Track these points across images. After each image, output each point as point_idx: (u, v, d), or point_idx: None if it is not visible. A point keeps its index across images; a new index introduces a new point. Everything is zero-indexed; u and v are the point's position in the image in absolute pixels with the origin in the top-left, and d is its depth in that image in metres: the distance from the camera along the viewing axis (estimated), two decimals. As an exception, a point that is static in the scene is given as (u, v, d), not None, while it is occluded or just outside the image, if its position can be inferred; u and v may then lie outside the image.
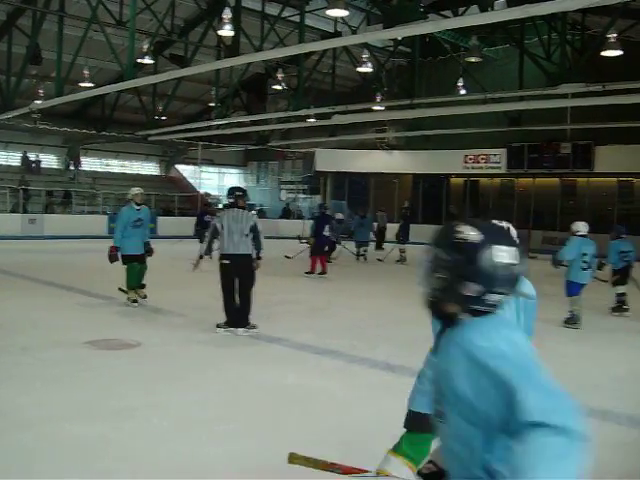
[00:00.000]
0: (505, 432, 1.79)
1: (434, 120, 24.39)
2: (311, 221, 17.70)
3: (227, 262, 8.71)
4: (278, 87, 26.19)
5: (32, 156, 32.19)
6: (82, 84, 21.92)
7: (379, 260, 20.44)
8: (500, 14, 13.01)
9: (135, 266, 10.60)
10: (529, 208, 28.00)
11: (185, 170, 37.99)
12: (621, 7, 14.92)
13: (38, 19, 18.88)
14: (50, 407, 5.49)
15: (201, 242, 10.45)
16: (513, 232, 3.84)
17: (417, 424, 2.86)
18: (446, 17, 16.84)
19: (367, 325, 9.60)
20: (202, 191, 34.38)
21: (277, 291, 12.60)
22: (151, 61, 20.65)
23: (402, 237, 20.78)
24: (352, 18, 21.19)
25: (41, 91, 24.72)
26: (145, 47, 19.32)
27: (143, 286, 10.85)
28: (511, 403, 1.76)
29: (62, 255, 19.31)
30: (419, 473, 2.47)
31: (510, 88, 20.50)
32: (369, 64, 21.55)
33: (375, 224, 24.74)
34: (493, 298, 1.95)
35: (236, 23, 16.91)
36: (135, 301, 10.58)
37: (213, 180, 38.49)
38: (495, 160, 29.31)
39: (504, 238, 2.02)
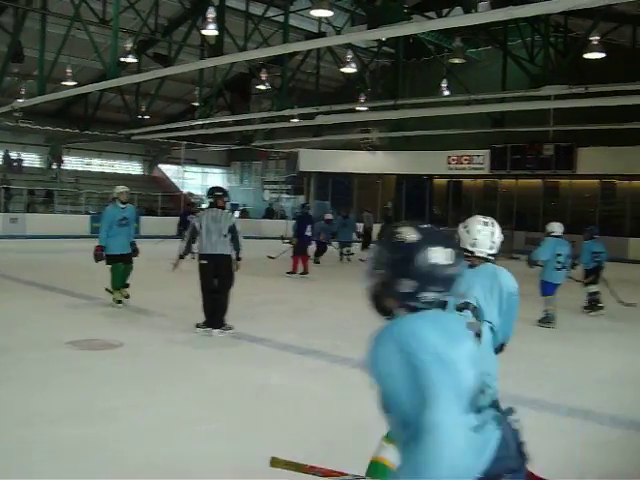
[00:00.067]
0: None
1: (418, 121, 24.44)
2: (294, 221, 17.70)
3: (205, 262, 8.66)
4: (262, 87, 26.13)
5: (14, 155, 31.98)
6: (65, 83, 21.77)
7: (362, 260, 20.43)
8: (484, 16, 13.07)
9: (119, 266, 10.47)
10: (512, 209, 28.13)
11: (168, 170, 37.91)
12: (603, 10, 15.04)
13: (20, 16, 18.73)
14: (31, 408, 5.46)
15: None
16: (496, 227, 3.95)
17: None
18: (430, 18, 16.87)
19: (350, 325, 9.56)
20: (185, 191, 34.32)
21: (260, 291, 12.59)
22: (134, 60, 20.54)
23: (384, 238, 20.84)
24: (336, 18, 21.19)
25: (23, 89, 24.52)
26: (128, 46, 19.19)
27: (127, 286, 10.73)
28: (414, 401, 1.90)
29: (44, 255, 19.18)
30: None
31: (493, 89, 20.58)
32: (353, 64, 21.55)
33: (361, 225, 24.75)
34: (428, 296, 2.06)
35: (220, 23, 16.85)
36: (120, 302, 10.46)
37: (196, 180, 38.43)
38: (478, 161, 29.42)
39: (441, 240, 2.13)
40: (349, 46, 20.95)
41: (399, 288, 2.08)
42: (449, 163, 30.26)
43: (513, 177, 28.91)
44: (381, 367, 1.98)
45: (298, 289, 14.26)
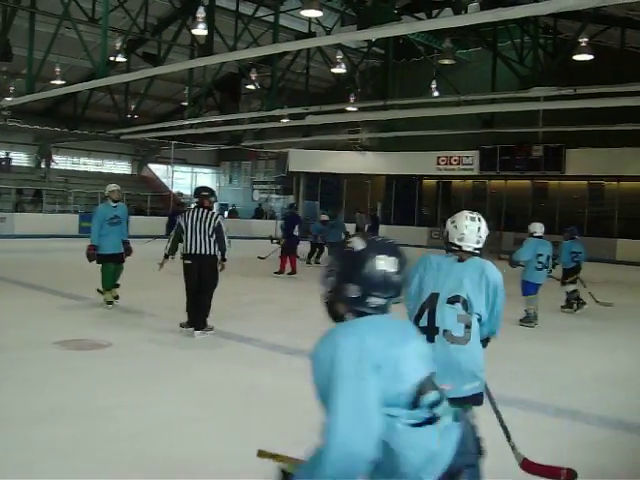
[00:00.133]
0: None
1: (407, 121, 24.49)
2: (282, 221, 17.69)
3: (189, 262, 8.60)
4: (252, 87, 26.14)
5: (2, 154, 31.85)
6: (53, 81, 21.71)
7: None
8: (473, 17, 13.10)
9: (110, 266, 10.38)
10: (501, 210, 28.17)
11: (158, 169, 37.84)
12: (592, 12, 15.08)
13: (9, 15, 18.63)
14: (19, 408, 5.44)
15: None
16: (483, 222, 4.03)
17: None
18: (420, 19, 16.86)
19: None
20: (175, 190, 34.24)
21: (249, 291, 12.58)
22: (124, 59, 20.52)
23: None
24: (326, 19, 21.19)
25: (11, 88, 24.48)
26: (118, 45, 19.15)
27: (117, 286, 10.64)
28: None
29: (33, 254, 19.11)
30: None
31: (483, 90, 20.62)
32: (343, 65, 21.61)
33: (353, 225, 24.71)
34: (374, 301, 2.20)
35: (210, 22, 16.82)
36: (110, 302, 10.37)
37: (186, 180, 38.28)
38: (467, 162, 29.51)
39: (387, 250, 2.26)
40: (339, 46, 20.98)
41: (347, 294, 2.22)
42: (438, 164, 30.34)
43: (502, 178, 29.00)
44: (316, 368, 2.13)
45: (286, 289, 14.25)
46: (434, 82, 23.79)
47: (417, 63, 27.32)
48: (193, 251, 8.56)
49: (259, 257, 18.58)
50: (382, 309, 2.23)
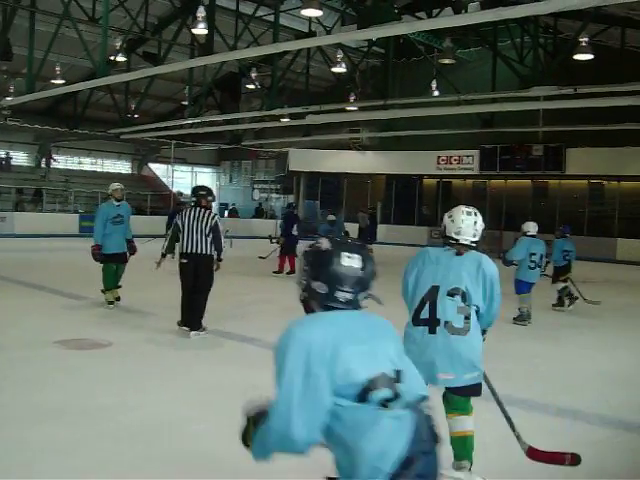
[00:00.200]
0: None
1: (407, 121, 24.48)
2: (281, 221, 17.67)
3: (185, 261, 8.55)
4: (252, 86, 26.16)
5: (2, 153, 31.84)
6: (54, 81, 21.72)
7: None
8: (473, 16, 13.09)
9: (111, 266, 10.32)
10: (501, 209, 28.17)
11: (158, 169, 37.85)
12: (592, 12, 15.07)
13: (9, 14, 18.63)
14: (18, 407, 5.43)
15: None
16: (479, 216, 4.16)
17: None
18: (420, 19, 16.88)
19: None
20: (175, 190, 34.20)
21: (250, 291, 12.58)
22: (124, 59, 20.53)
23: (369, 237, 20.89)
24: (326, 18, 21.21)
25: (11, 87, 24.48)
26: (118, 44, 19.16)
27: (118, 287, 10.58)
28: None
29: (33, 254, 19.11)
30: None
31: (483, 90, 20.61)
32: (343, 64, 21.60)
33: (356, 225, 24.67)
34: (341, 296, 2.38)
35: (210, 21, 16.82)
36: (111, 302, 10.32)
37: (186, 179, 38.27)
38: (468, 161, 29.50)
39: (351, 249, 2.42)
40: (339, 46, 20.97)
41: (317, 290, 2.41)
42: (438, 163, 30.32)
43: (502, 177, 28.98)
44: (275, 355, 2.31)
45: (285, 289, 14.17)
46: (434, 81, 23.77)
47: (417, 62, 27.33)
48: (189, 250, 8.50)
49: (260, 257, 18.57)
50: (352, 303, 2.40)
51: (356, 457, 2.15)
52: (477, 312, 4.02)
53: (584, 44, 16.42)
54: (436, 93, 23.40)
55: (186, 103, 26.58)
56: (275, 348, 2.30)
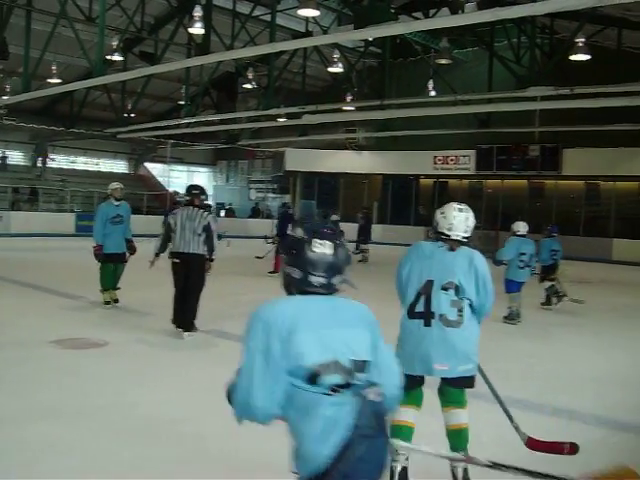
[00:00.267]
0: None
1: (404, 121, 24.49)
2: (277, 221, 17.67)
3: (177, 261, 8.50)
4: (248, 86, 26.15)
5: (-2, 152, 31.83)
6: (50, 80, 21.70)
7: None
8: (470, 17, 13.13)
9: (109, 266, 10.28)
10: (497, 209, 28.23)
11: (154, 168, 37.83)
12: (589, 12, 15.11)
13: (5, 13, 18.61)
14: (14, 407, 5.42)
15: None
16: (470, 212, 4.30)
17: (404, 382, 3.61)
18: (417, 19, 16.93)
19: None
20: (171, 190, 34.18)
21: (247, 291, 12.56)
22: (120, 58, 20.50)
23: (363, 237, 20.88)
24: (323, 18, 21.22)
25: (8, 86, 24.44)
26: (114, 44, 19.15)
27: (117, 289, 10.51)
28: None
29: (29, 253, 19.09)
30: None
31: (479, 90, 20.64)
32: (340, 64, 21.62)
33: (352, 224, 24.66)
34: (315, 280, 2.52)
35: (207, 21, 16.83)
36: (108, 302, 10.29)
37: (182, 179, 38.29)
38: (464, 161, 29.53)
39: (323, 235, 2.56)
40: (336, 46, 20.99)
41: (293, 275, 2.56)
42: (435, 163, 30.36)
43: (499, 177, 29.01)
44: (244, 335, 2.46)
45: (281, 289, 14.22)
46: (431, 82, 23.80)
47: (414, 63, 27.38)
48: (181, 250, 8.45)
49: (257, 257, 18.57)
50: (327, 287, 2.54)
51: (299, 438, 2.36)
52: (471, 306, 4.14)
53: (580, 45, 16.45)
54: (433, 93, 23.42)
55: (183, 103, 26.56)
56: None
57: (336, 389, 2.35)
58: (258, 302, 2.54)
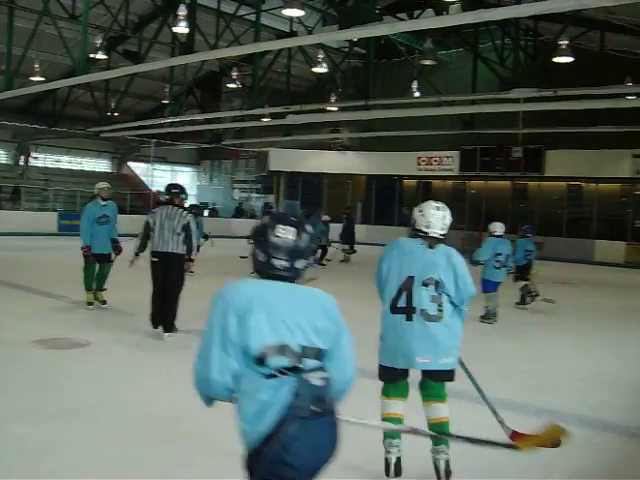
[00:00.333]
0: None
1: (388, 122, 24.54)
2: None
3: (155, 260, 8.42)
4: (233, 85, 26.14)
5: (-21, 151, 31.60)
6: (33, 78, 21.56)
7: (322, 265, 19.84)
8: (454, 18, 13.17)
9: (92, 267, 10.19)
10: (481, 210, 28.32)
11: (137, 168, 37.69)
12: (572, 15, 15.19)
13: (-13, 10, 18.53)
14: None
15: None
16: (447, 210, 4.42)
17: (388, 375, 4.26)
18: (401, 20, 16.95)
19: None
20: (154, 189, 34.08)
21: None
22: (104, 56, 20.41)
23: (345, 237, 20.90)
24: (308, 18, 21.20)
25: (-10, 84, 24.25)
26: (98, 42, 19.07)
27: (103, 290, 10.40)
28: None
29: (11, 252, 18.91)
30: None
31: (463, 91, 20.69)
32: (324, 64, 21.61)
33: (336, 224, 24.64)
34: (277, 263, 2.67)
35: (191, 20, 16.79)
36: (91, 304, 10.17)
37: (166, 178, 38.07)
38: (448, 162, 29.62)
39: (285, 221, 2.71)
40: (320, 46, 20.99)
41: (258, 259, 2.72)
42: (419, 164, 30.43)
43: (482, 179, 29.13)
44: (208, 313, 2.66)
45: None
46: (415, 82, 23.86)
47: (398, 63, 27.43)
48: (160, 249, 8.38)
49: (241, 256, 18.50)
50: (290, 271, 2.69)
51: (239, 417, 2.52)
52: (451, 301, 4.30)
53: (564, 47, 16.55)
54: (417, 94, 23.47)
55: (166, 102, 26.49)
56: None
57: (283, 371, 2.49)
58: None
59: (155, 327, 8.47)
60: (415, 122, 23.16)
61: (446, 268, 4.26)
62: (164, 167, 38.72)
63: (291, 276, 2.70)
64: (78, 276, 10.37)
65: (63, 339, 7.93)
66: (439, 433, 4.14)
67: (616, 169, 24.99)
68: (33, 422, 5.02)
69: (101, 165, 37.46)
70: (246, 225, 28.91)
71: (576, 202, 27.49)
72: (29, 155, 33.14)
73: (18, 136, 32.26)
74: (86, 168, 36.10)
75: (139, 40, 21.78)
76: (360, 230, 24.62)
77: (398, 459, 4.19)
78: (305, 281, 2.79)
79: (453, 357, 4.28)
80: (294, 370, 2.50)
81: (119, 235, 10.72)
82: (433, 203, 4.46)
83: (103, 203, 10.40)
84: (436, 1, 17.70)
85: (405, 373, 4.32)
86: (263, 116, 24.39)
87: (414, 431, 3.82)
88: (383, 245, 4.62)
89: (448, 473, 4.16)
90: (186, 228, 8.45)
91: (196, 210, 16.93)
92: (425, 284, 4.21)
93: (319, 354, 2.60)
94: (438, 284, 4.22)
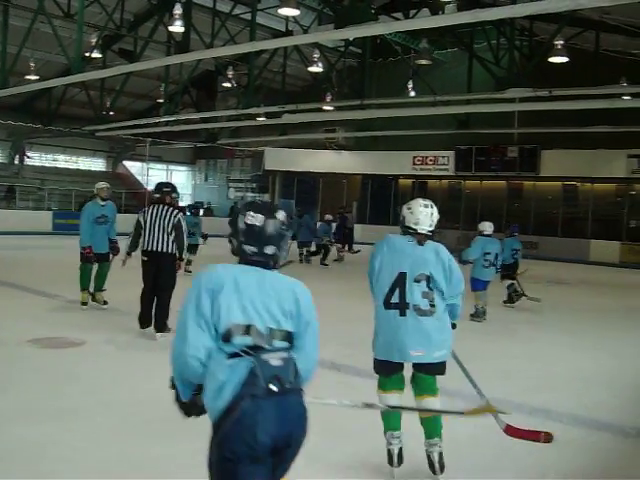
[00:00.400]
0: None
1: (383, 121, 24.57)
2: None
3: (145, 259, 8.38)
4: (228, 85, 26.10)
5: (-26, 149, 31.52)
6: (28, 76, 21.52)
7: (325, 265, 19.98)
8: (450, 18, 13.18)
9: (88, 266, 10.11)
10: (476, 210, 28.30)
11: (133, 167, 37.65)
12: (568, 15, 15.21)
13: (-18, 9, 18.46)
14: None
15: None
16: (434, 208, 4.53)
17: (384, 368, 4.35)
18: (397, 19, 16.96)
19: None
20: (149, 188, 34.02)
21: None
22: (99, 55, 20.38)
23: (339, 237, 20.88)
24: (303, 17, 21.20)
25: (-16, 83, 24.20)
26: (93, 41, 19.04)
27: (103, 290, 10.32)
28: None
29: (5, 251, 18.85)
30: None
31: (459, 91, 20.73)
32: (320, 64, 21.60)
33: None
34: (247, 249, 2.80)
35: (187, 19, 16.77)
36: (85, 304, 10.10)
37: (161, 177, 38.07)
38: (443, 162, 29.62)
39: (256, 209, 2.83)
40: (316, 45, 20.98)
41: (232, 245, 2.86)
42: (414, 164, 30.41)
43: (478, 178, 29.12)
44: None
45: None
46: (411, 82, 23.89)
47: (394, 63, 27.43)
48: (150, 248, 8.32)
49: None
50: (260, 256, 2.80)
51: (204, 392, 2.69)
52: (442, 296, 4.41)
53: (559, 47, 16.57)
54: (412, 94, 23.51)
55: (162, 101, 26.48)
56: None
57: (247, 351, 2.61)
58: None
59: (142, 328, 8.43)
60: (411, 122, 23.19)
61: (435, 263, 4.36)
62: (159, 166, 38.67)
63: (263, 261, 2.81)
64: (73, 275, 10.33)
65: (58, 338, 7.90)
66: (421, 412, 4.30)
67: (611, 169, 25.02)
68: (33, 422, 5.01)
69: (96, 164, 37.38)
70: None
71: (571, 202, 27.52)
72: (24, 154, 33.07)
73: (13, 135, 32.18)
74: (81, 167, 36.05)
75: (134, 39, 21.77)
76: (355, 229, 24.66)
77: (400, 449, 4.30)
78: (282, 265, 2.92)
79: (446, 349, 4.38)
80: (258, 350, 2.62)
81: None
82: (421, 201, 4.57)
83: (102, 203, 10.31)
84: (432, 1, 17.73)
85: (400, 366, 4.40)
86: (258, 115, 24.38)
87: (370, 406, 3.93)
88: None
89: (442, 465, 4.22)
90: (176, 227, 8.38)
91: (195, 210, 16.92)
92: (417, 280, 4.31)
93: (287, 336, 2.72)
94: (429, 279, 4.32)
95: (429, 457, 4.24)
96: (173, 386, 3.02)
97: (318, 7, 21.82)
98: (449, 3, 18.03)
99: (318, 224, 20.93)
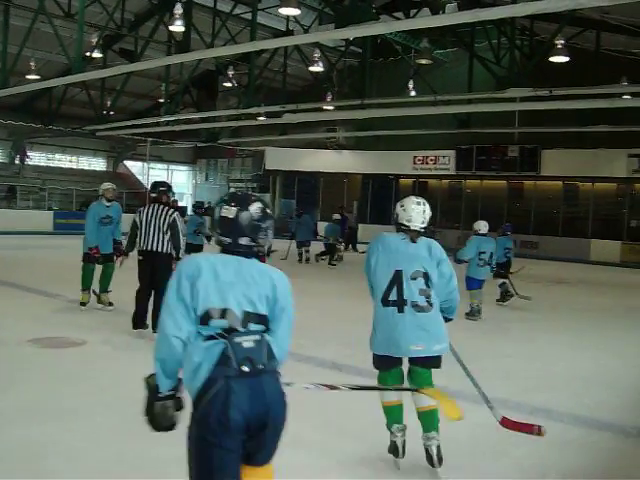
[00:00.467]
0: None
1: (384, 121, 24.53)
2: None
3: (141, 258, 8.37)
4: (229, 84, 26.09)
5: (-25, 149, 31.51)
6: (28, 76, 21.52)
7: (332, 264, 19.88)
8: (451, 17, 13.17)
9: (90, 267, 10.11)
10: (476, 210, 28.25)
11: (133, 166, 37.65)
12: (568, 15, 15.19)
13: (-18, 8, 18.45)
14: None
15: None
16: (427, 205, 4.62)
17: (384, 363, 4.43)
18: (398, 19, 16.92)
19: (315, 324, 9.52)
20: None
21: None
22: (100, 55, 20.38)
23: (338, 237, 20.90)
24: (304, 17, 21.20)
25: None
26: (94, 40, 19.03)
27: (108, 291, 10.27)
28: None
29: (6, 251, 18.87)
30: None
31: (459, 91, 20.70)
32: (320, 63, 21.59)
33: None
34: (222, 239, 2.94)
35: (187, 19, 16.77)
36: (83, 304, 10.06)
37: (161, 177, 38.09)
38: (444, 162, 29.61)
39: (230, 201, 2.96)
40: (317, 45, 20.98)
41: (211, 234, 3.02)
42: (415, 163, 30.41)
43: (478, 178, 29.12)
44: None
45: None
46: (411, 82, 23.87)
47: (394, 63, 27.43)
48: (146, 248, 8.32)
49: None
50: (236, 247, 2.92)
51: (183, 373, 2.81)
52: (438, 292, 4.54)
53: (560, 46, 16.54)
54: (413, 93, 23.48)
55: (162, 100, 26.44)
56: None
57: (222, 333, 2.74)
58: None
59: (135, 328, 8.42)
60: (411, 121, 23.15)
61: (429, 259, 4.47)
62: (160, 166, 38.67)
63: (242, 251, 2.93)
64: (74, 275, 10.33)
65: (59, 338, 7.91)
66: (399, 390, 4.41)
67: (612, 169, 25.01)
68: (33, 422, 5.01)
69: (97, 164, 37.37)
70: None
71: (572, 201, 27.52)
72: (25, 154, 33.07)
73: (14, 135, 32.17)
74: (82, 167, 36.03)
75: (135, 39, 21.75)
76: (348, 231, 24.67)
77: (404, 441, 4.40)
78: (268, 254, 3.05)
79: (445, 343, 4.47)
80: (233, 332, 2.74)
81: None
82: (414, 198, 4.68)
83: (107, 204, 10.29)
84: (432, 0, 17.71)
85: (399, 361, 4.48)
86: (259, 115, 24.39)
87: (334, 387, 3.98)
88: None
89: (440, 458, 4.27)
90: (172, 226, 8.35)
91: (200, 209, 16.92)
92: (413, 277, 4.40)
93: (263, 320, 2.85)
94: (425, 276, 4.42)
95: (427, 450, 4.30)
96: (149, 384, 3.06)
97: (319, 7, 21.80)
98: (450, 2, 18.03)
99: (325, 224, 20.92)
